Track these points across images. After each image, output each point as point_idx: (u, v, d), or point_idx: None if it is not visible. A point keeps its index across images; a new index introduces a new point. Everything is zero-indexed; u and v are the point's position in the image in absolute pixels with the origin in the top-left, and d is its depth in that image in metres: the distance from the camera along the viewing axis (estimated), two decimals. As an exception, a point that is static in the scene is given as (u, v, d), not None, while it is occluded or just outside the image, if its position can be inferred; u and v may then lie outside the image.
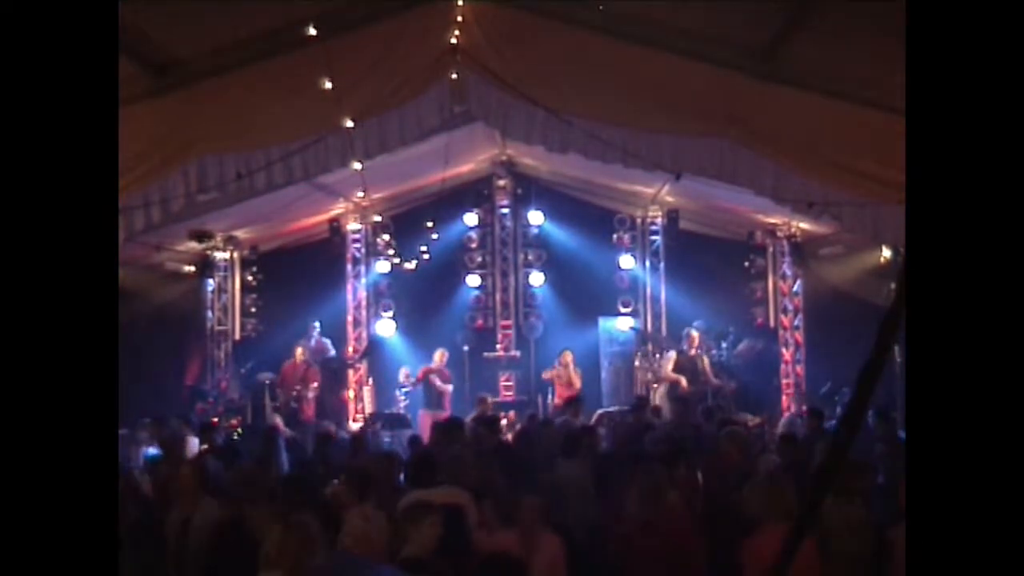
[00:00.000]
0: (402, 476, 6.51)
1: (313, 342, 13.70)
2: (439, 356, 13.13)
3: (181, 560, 5.24)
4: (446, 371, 13.07)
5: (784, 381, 13.70)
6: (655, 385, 13.24)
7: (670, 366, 12.61)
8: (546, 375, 13.22)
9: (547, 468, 7.15)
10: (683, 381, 12.22)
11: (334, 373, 13.78)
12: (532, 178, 14.31)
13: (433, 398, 12.83)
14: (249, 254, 14.10)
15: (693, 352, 12.61)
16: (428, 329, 14.10)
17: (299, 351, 13.02)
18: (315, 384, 12.96)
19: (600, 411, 12.37)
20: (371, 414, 13.39)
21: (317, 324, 13.87)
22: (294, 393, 12.64)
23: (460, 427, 8.39)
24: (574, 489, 6.61)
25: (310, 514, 4.37)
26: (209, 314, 14.17)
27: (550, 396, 13.13)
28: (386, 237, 14.33)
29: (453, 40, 7.61)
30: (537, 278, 14.46)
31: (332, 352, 13.96)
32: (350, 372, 14.33)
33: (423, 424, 11.93)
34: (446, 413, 11.84)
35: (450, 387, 13.01)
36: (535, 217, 14.46)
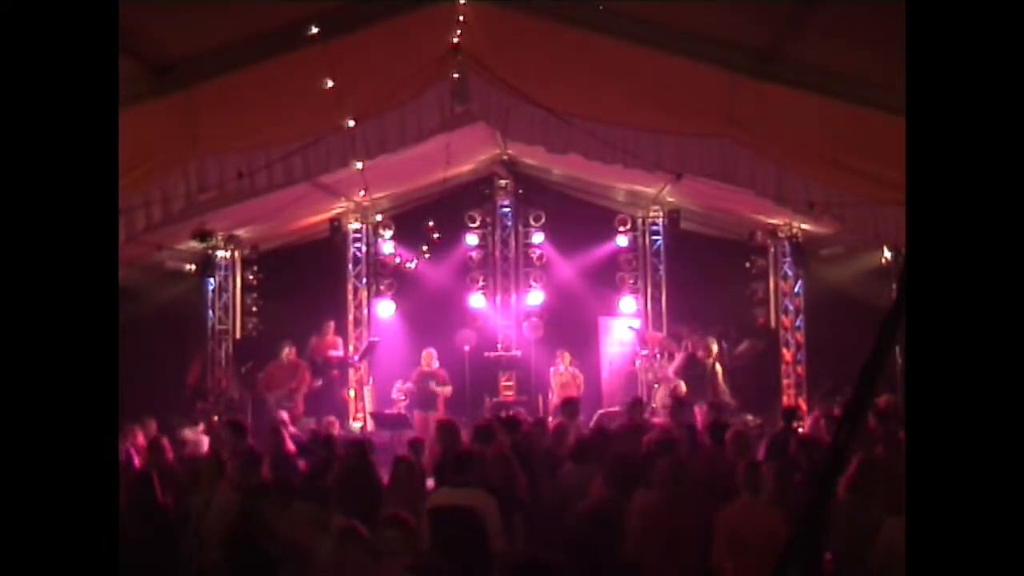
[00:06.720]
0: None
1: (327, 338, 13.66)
2: (426, 357, 12.92)
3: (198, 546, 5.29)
4: (442, 372, 12.94)
5: (785, 381, 13.68)
6: (656, 386, 13.20)
7: (675, 367, 12.57)
8: (554, 377, 13.16)
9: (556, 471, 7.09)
10: (682, 385, 12.16)
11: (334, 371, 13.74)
12: (533, 178, 14.30)
13: (428, 399, 12.72)
14: (250, 253, 14.07)
15: (708, 359, 12.52)
16: (429, 329, 14.07)
17: (286, 351, 12.88)
18: (306, 383, 12.82)
19: (600, 411, 12.35)
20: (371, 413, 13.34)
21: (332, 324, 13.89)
22: (285, 392, 12.53)
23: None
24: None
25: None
26: (210, 313, 14.15)
27: (551, 396, 13.10)
28: (387, 236, 14.33)
29: (454, 40, 7.62)
30: (537, 277, 14.45)
31: (339, 351, 13.92)
32: (350, 372, 14.31)
33: (418, 425, 11.86)
34: (440, 414, 11.76)
35: (448, 389, 12.84)
36: (536, 217, 14.46)
